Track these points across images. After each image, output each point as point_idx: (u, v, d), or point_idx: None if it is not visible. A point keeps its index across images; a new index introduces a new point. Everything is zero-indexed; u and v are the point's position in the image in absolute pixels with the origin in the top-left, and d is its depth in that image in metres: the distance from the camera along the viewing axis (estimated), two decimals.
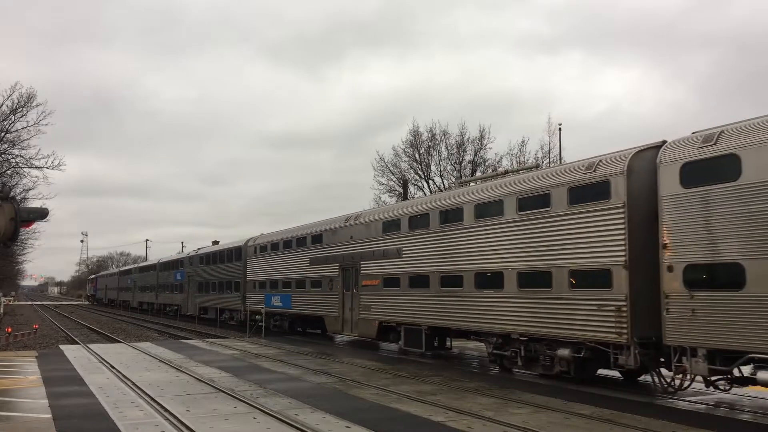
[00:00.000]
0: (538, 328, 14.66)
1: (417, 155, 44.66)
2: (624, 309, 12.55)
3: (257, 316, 30.96)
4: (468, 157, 43.04)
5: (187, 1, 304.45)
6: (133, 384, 14.04)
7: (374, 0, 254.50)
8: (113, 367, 17.03)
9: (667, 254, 11.86)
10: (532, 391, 13.08)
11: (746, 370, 10.96)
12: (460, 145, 43.11)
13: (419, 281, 19.12)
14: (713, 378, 11.63)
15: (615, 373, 14.58)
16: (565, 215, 14.21)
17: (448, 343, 19.76)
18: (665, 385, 12.63)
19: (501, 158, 41.14)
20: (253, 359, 19.11)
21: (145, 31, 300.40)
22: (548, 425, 9.91)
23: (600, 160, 13.92)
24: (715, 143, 11.33)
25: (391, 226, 21.06)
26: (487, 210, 16.67)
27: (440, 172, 44.07)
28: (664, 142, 12.81)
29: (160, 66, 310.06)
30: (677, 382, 12.33)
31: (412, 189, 42.84)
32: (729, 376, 11.33)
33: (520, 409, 11.19)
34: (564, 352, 14.05)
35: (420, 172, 44.61)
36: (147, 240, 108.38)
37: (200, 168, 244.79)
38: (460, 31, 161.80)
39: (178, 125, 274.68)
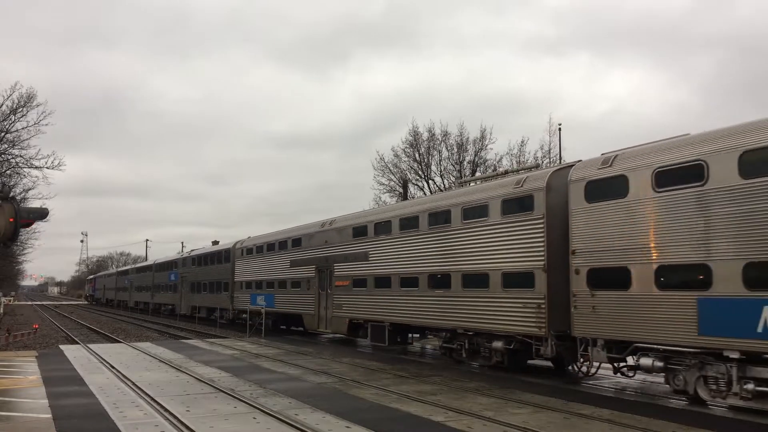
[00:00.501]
0: (478, 323, 16.69)
1: (417, 155, 44.89)
2: (543, 306, 14.58)
3: (244, 315, 32.96)
4: (468, 157, 43.33)
5: (194, 3, 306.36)
6: (133, 384, 14.12)
7: (379, 2, 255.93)
8: (113, 367, 17.15)
9: (575, 259, 13.88)
10: (532, 391, 13.20)
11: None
12: (461, 145, 43.36)
13: (383, 282, 21.13)
14: (621, 365, 13.64)
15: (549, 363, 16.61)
16: (499, 224, 16.22)
17: (409, 339, 21.79)
18: (577, 371, 14.67)
19: (501, 158, 41.46)
20: (253, 359, 19.27)
21: (152, 33, 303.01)
22: (548, 425, 9.97)
23: (527, 177, 15.94)
24: (611, 165, 13.36)
25: (359, 231, 23.06)
26: (439, 218, 18.67)
27: (440, 172, 44.38)
28: (580, 160, 14.81)
29: (166, 67, 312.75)
30: (585, 369, 14.35)
31: (412, 189, 43.16)
32: (636, 364, 13.24)
33: (520, 409, 11.26)
34: (498, 344, 16.10)
35: (420, 172, 44.86)
36: (147, 240, 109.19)
37: (203, 168, 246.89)
38: (464, 32, 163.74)
39: (182, 126, 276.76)
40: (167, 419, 10.39)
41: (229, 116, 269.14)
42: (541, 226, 14.86)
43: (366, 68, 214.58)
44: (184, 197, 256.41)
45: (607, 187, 13.31)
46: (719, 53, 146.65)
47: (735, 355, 10.77)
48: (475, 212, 17.16)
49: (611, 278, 13.05)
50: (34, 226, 40.22)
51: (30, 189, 39.04)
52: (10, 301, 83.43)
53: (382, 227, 21.58)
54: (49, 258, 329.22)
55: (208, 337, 29.09)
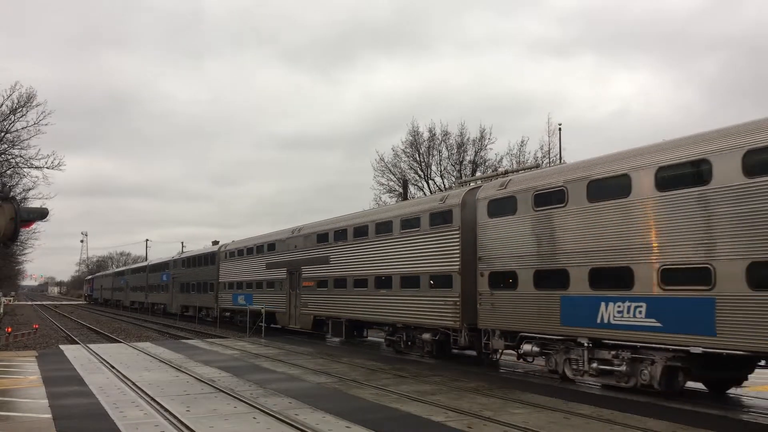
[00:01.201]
0: (412, 318, 19.61)
1: (417, 155, 45.01)
2: (458, 303, 17.48)
3: (227, 313, 35.89)
4: (469, 157, 43.50)
5: (204, 6, 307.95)
6: (133, 384, 14.17)
7: (387, 4, 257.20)
8: (113, 367, 17.25)
9: (480, 264, 16.78)
10: (532, 391, 13.31)
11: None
12: (461, 146, 43.50)
13: (340, 283, 24.05)
14: (521, 352, 16.52)
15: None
16: (427, 234, 19.12)
17: (365, 333, 24.74)
18: (484, 356, 17.62)
19: (501, 158, 41.77)
20: (252, 359, 19.47)
21: (162, 35, 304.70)
22: (548, 425, 9.98)
23: (448, 195, 18.85)
24: (505, 188, 16.26)
25: (322, 238, 25.95)
26: (383, 228, 21.57)
27: (441, 172, 44.58)
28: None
29: (176, 68, 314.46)
30: (493, 356, 17.29)
31: (412, 189, 43.35)
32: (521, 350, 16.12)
33: (520, 409, 11.27)
34: (427, 336, 19.03)
35: (420, 172, 45.11)
36: (147, 240, 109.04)
37: (209, 169, 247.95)
38: (472, 34, 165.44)
39: (190, 127, 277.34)
40: (167, 419, 10.46)
41: (237, 117, 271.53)
42: (458, 236, 17.75)
43: (374, 70, 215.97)
44: (190, 197, 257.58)
45: (503, 205, 16.21)
46: (725, 54, 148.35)
47: (585, 341, 13.68)
48: (411, 223, 20.06)
49: (505, 280, 15.96)
50: (34, 226, 39.76)
51: (30, 189, 38.80)
52: (10, 301, 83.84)
53: (340, 234, 24.47)
54: (52, 258, 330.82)
55: (207, 337, 29.46)
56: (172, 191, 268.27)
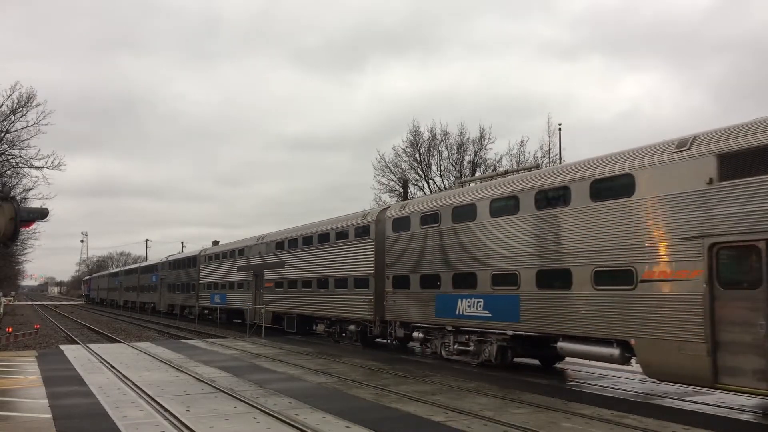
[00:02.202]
0: (342, 313, 23.95)
1: (417, 155, 45.93)
2: (372, 300, 21.81)
3: (206, 311, 40.20)
4: (468, 157, 44.50)
5: (218, 8, 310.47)
6: (133, 384, 14.23)
7: (398, 8, 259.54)
8: (113, 367, 17.36)
9: (387, 269, 21.11)
10: (532, 390, 13.37)
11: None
12: (461, 146, 44.51)
13: (292, 284, 28.38)
14: (415, 336, 20.70)
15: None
16: (353, 244, 23.45)
17: (314, 327, 29.04)
18: (392, 342, 21.99)
19: (501, 158, 42.66)
20: (252, 359, 19.66)
21: (175, 38, 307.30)
22: (548, 425, 10.02)
23: (369, 212, 23.19)
24: (404, 209, 20.58)
25: (279, 245, 30.27)
26: (323, 238, 25.90)
27: (440, 171, 45.60)
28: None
29: (188, 71, 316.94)
30: (411, 342, 21.64)
31: (412, 189, 44.34)
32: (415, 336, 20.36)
33: (520, 409, 11.31)
34: (352, 327, 23.36)
35: (420, 172, 46.05)
36: (147, 240, 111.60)
37: (217, 170, 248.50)
38: (481, 37, 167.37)
39: (200, 128, 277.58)
40: (167, 419, 10.50)
41: (246, 119, 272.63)
42: (372, 246, 22.08)
43: (383, 72, 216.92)
44: (193, 198, 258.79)
45: (402, 223, 20.54)
46: (733, 56, 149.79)
47: (450, 328, 18.01)
48: (342, 235, 24.40)
49: (402, 282, 20.29)
50: (34, 226, 40.19)
51: (30, 189, 39.30)
52: (10, 301, 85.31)
53: (293, 243, 28.80)
54: (52, 258, 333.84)
55: (207, 337, 29.87)
56: (175, 192, 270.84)
